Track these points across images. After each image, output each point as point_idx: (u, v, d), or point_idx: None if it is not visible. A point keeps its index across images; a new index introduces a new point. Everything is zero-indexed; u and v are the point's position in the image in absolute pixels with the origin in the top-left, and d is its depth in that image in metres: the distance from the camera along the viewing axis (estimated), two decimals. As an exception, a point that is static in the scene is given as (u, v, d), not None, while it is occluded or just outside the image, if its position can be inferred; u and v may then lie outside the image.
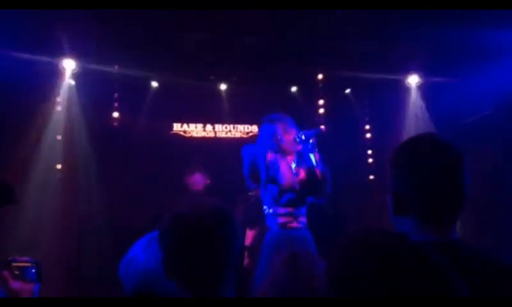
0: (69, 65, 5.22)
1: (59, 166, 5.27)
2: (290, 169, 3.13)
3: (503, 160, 5.65)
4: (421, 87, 5.97)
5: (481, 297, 0.99)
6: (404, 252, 0.77)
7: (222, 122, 6.10)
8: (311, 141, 3.02)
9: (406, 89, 6.02)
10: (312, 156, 3.01)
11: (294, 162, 3.16)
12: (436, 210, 1.10)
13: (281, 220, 3.06)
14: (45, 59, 5.00)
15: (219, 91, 6.01)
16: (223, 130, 6.12)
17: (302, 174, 3.12)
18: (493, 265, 1.07)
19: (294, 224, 3.07)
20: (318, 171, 3.04)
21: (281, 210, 3.08)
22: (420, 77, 5.93)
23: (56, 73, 5.22)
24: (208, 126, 6.09)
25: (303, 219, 3.12)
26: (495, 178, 5.56)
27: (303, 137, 3.02)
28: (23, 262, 1.56)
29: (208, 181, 4.91)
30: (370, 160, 6.23)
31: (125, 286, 1.39)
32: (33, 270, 1.56)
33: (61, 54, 5.12)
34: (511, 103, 2.62)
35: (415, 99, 6.01)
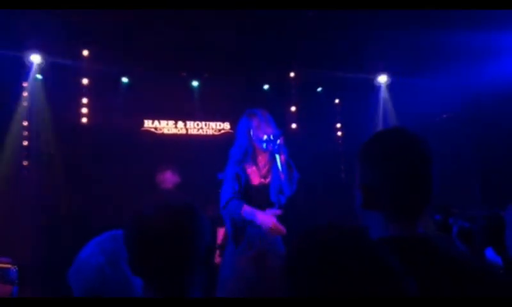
0: (36, 59, 5.08)
1: (25, 163, 5.13)
2: (259, 171, 3.11)
3: (473, 160, 5.82)
4: (390, 86, 6.09)
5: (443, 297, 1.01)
6: (354, 248, 0.77)
7: (194, 119, 6.05)
8: (278, 141, 3.00)
9: (375, 88, 6.13)
10: (277, 157, 2.99)
11: (266, 163, 3.13)
12: (404, 204, 1.10)
13: (248, 219, 3.05)
14: (10, 52, 4.85)
15: (191, 87, 5.96)
16: (194, 127, 6.07)
17: (269, 177, 3.10)
18: (456, 259, 1.09)
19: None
20: (282, 173, 3.02)
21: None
22: (389, 76, 6.05)
23: (21, 68, 5.07)
24: (180, 123, 6.03)
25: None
26: (462, 177, 5.72)
27: (271, 137, 2.99)
28: (2, 263, 1.49)
29: (179, 179, 4.86)
30: (342, 157, 6.30)
31: (75, 292, 1.35)
32: (14, 272, 1.49)
33: (27, 47, 4.97)
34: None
35: (384, 98, 6.13)
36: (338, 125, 6.41)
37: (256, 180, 3.08)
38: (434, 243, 1.09)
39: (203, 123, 6.08)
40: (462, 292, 1.01)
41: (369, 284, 0.74)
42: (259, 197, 3.05)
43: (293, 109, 6.11)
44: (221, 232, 4.41)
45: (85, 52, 5.22)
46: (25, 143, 5.20)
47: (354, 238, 0.80)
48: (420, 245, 1.07)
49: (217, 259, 4.15)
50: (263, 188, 3.06)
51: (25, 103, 5.16)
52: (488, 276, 1.07)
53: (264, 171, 3.10)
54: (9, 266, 1.52)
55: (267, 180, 3.08)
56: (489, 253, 1.77)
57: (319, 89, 6.28)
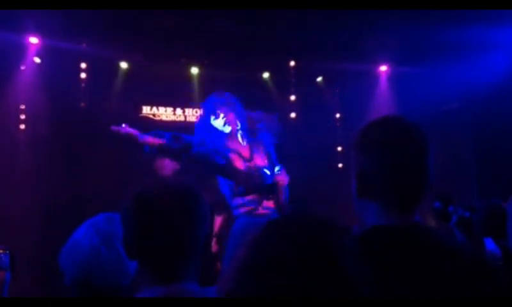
0: (34, 42, 5.03)
1: (22, 147, 5.10)
2: (240, 156, 3.08)
3: (470, 152, 5.83)
4: (391, 77, 6.07)
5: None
6: (311, 244, 0.73)
7: (192, 106, 6.02)
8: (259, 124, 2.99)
9: (376, 78, 6.10)
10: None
11: (247, 148, 3.12)
12: (399, 192, 1.08)
13: (246, 209, 3.03)
14: (7, 34, 4.80)
15: (190, 74, 5.92)
16: (193, 115, 6.04)
17: (258, 159, 3.08)
18: (452, 249, 1.08)
19: (260, 211, 3.04)
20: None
21: (242, 200, 3.05)
22: (390, 66, 6.03)
23: (19, 50, 5.02)
24: (178, 110, 6.00)
25: (268, 203, 3.09)
26: (458, 168, 5.73)
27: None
28: None
29: (178, 166, 4.84)
30: (340, 148, 6.29)
31: (65, 275, 1.33)
32: (6, 258, 1.47)
33: (26, 29, 4.91)
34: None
35: (384, 88, 6.11)
36: (338, 115, 6.39)
37: (241, 166, 3.07)
38: (430, 232, 1.09)
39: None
40: (456, 282, 1.00)
41: (319, 285, 0.70)
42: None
43: (292, 97, 6.08)
44: (217, 220, 4.40)
45: (84, 36, 5.16)
46: (22, 127, 5.16)
47: (316, 233, 0.75)
48: (415, 235, 1.06)
49: (214, 248, 4.15)
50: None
51: (22, 87, 5.11)
52: (484, 268, 1.07)
53: (247, 156, 3.12)
54: (0, 251, 1.49)
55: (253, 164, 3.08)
56: (489, 244, 1.77)
57: (319, 78, 6.24)
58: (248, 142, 3.11)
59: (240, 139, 3.11)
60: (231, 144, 3.08)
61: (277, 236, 0.76)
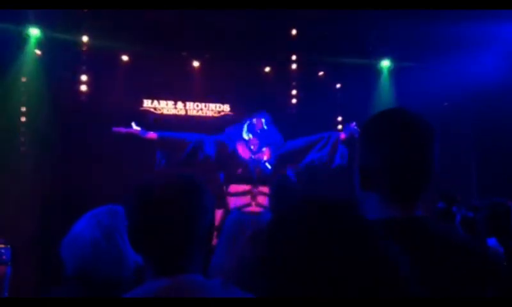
0: (34, 33, 5.01)
1: (22, 140, 5.09)
2: (248, 148, 3.16)
3: (470, 150, 5.82)
4: (392, 72, 6.05)
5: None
6: (341, 224, 0.72)
7: (193, 100, 6.00)
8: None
9: (378, 73, 6.08)
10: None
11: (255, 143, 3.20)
12: (403, 185, 1.07)
13: (239, 202, 3.05)
14: (8, 25, 4.78)
15: (191, 68, 5.90)
16: (194, 108, 6.02)
17: (267, 153, 3.13)
18: (454, 241, 1.08)
19: (253, 208, 3.05)
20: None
21: (238, 188, 3.07)
22: (392, 61, 6.01)
23: (19, 42, 5.00)
24: (180, 104, 5.98)
25: (263, 199, 3.09)
26: (458, 167, 5.73)
27: None
28: None
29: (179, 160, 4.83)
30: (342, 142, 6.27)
31: (67, 265, 1.33)
32: (7, 252, 1.46)
33: (26, 21, 4.89)
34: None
35: (386, 83, 6.09)
36: (339, 110, 6.37)
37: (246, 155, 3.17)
38: (433, 225, 1.08)
39: (203, 104, 6.03)
40: (458, 275, 1.00)
41: (355, 266, 0.68)
42: (246, 173, 3.16)
43: (294, 92, 6.06)
44: (218, 213, 4.41)
45: (85, 29, 5.14)
46: (23, 119, 5.15)
47: (344, 213, 0.74)
48: (417, 227, 1.06)
49: (214, 241, 4.16)
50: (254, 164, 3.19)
51: (23, 79, 5.09)
52: (486, 260, 1.07)
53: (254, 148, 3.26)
54: (1, 245, 1.48)
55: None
56: (492, 243, 1.76)
57: (321, 72, 6.22)
58: (257, 137, 3.18)
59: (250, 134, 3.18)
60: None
61: (303, 217, 0.73)
